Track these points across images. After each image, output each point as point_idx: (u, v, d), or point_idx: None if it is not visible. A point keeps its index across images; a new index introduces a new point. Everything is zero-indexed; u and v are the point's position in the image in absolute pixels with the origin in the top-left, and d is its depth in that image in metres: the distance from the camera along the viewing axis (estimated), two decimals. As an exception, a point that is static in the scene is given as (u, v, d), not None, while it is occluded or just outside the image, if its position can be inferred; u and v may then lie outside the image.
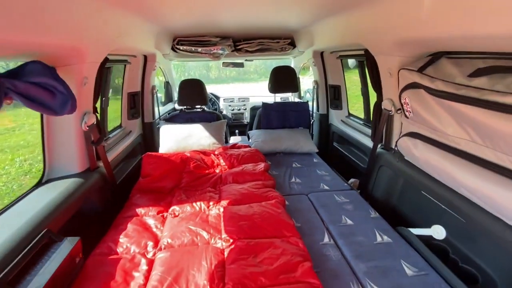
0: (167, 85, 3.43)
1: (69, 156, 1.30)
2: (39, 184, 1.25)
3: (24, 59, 0.94)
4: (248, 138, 2.60)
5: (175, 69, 3.97)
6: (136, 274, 0.99)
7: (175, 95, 3.57)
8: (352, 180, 2.00)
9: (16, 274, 0.82)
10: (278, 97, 3.38)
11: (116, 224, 1.28)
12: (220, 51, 2.56)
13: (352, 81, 3.05)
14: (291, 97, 3.61)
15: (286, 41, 2.54)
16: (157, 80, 3.02)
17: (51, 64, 1.01)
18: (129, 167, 1.98)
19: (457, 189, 1.07)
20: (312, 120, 2.74)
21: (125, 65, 2.04)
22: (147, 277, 0.98)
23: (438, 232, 1.13)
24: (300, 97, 3.65)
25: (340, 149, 2.43)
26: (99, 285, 0.94)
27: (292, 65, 3.28)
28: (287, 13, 1.62)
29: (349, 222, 1.37)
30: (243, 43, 2.50)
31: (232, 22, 1.82)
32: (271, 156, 2.23)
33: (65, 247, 0.95)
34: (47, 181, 1.26)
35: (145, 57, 2.22)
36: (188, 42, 2.35)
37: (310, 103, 2.74)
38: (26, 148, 5.66)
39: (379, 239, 1.23)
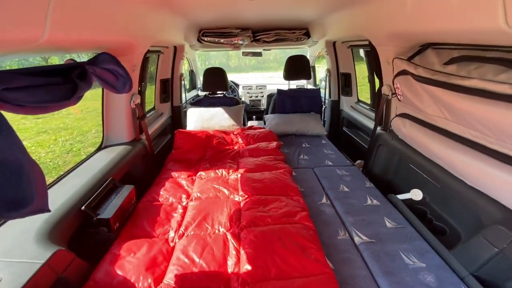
0: (191, 73, 3.76)
1: (121, 128, 1.65)
2: (99, 149, 1.62)
3: (96, 51, 1.27)
4: (264, 123, 2.86)
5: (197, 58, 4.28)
6: (174, 214, 1.33)
7: (198, 83, 3.90)
8: (358, 161, 2.22)
9: (95, 204, 1.17)
10: (294, 85, 3.59)
11: (156, 182, 1.62)
12: (240, 42, 2.81)
13: (365, 70, 3.20)
14: (306, 84, 3.80)
15: (302, 31, 2.73)
16: (183, 69, 3.35)
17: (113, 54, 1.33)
18: (162, 142, 2.33)
19: (434, 159, 1.28)
20: (324, 106, 2.94)
21: (158, 55, 2.36)
22: (182, 216, 1.31)
23: (416, 194, 1.35)
24: (315, 84, 3.83)
25: (349, 133, 2.64)
26: (148, 220, 1.28)
27: (308, 55, 3.47)
28: (302, 6, 1.82)
29: (346, 189, 1.62)
30: (261, 34, 2.73)
31: (252, 15, 2.05)
32: (284, 137, 2.49)
33: (125, 191, 1.30)
34: (105, 147, 1.63)
35: (175, 48, 2.53)
36: (212, 34, 2.62)
37: (323, 90, 2.93)
38: (65, 130, 6.33)
39: (369, 202, 1.48)
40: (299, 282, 0.91)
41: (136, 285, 0.92)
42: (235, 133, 2.36)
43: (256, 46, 2.93)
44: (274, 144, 2.10)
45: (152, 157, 1.90)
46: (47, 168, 4.36)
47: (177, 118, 2.77)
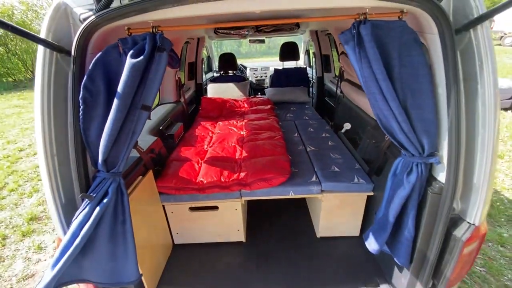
0: (208, 58, 4.68)
1: (169, 92, 2.61)
2: (158, 105, 2.60)
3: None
4: (265, 95, 3.78)
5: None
6: (205, 140, 2.31)
7: (213, 66, 4.83)
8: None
9: (165, 128, 2.14)
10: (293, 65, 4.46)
11: (193, 127, 2.60)
12: (246, 32, 3.67)
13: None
14: (303, 64, 4.64)
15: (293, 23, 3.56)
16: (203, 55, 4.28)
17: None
18: (190, 108, 3.30)
19: (355, 102, 2.16)
20: (312, 81, 3.80)
21: (187, 45, 3.28)
22: (210, 140, 2.30)
23: (347, 126, 2.25)
24: (310, 65, 4.67)
25: (329, 102, 3.50)
26: (191, 141, 2.25)
27: (302, 41, 4.30)
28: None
29: (311, 130, 2.52)
30: (262, 25, 3.58)
31: (256, 15, 2.92)
32: (278, 103, 3.40)
33: (177, 125, 2.28)
34: (160, 104, 2.60)
35: (198, 39, 3.44)
36: (224, 27, 3.50)
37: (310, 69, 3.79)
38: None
39: (323, 135, 2.38)
40: (270, 157, 1.86)
41: (191, 159, 1.90)
42: (242, 100, 3.30)
43: (259, 35, 3.79)
44: (269, 106, 3.03)
45: (187, 114, 2.88)
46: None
47: (200, 91, 3.72)
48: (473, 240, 1.03)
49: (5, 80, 12.95)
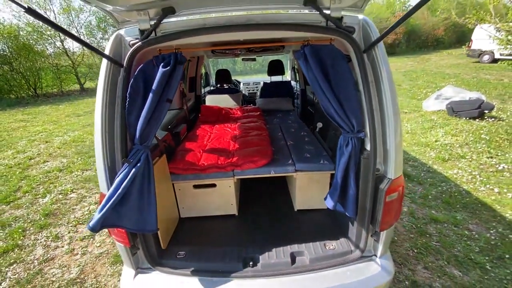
0: (206, 74, 5.26)
1: (175, 100, 3.11)
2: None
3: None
4: (255, 105, 4.33)
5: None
6: (205, 138, 2.78)
7: (210, 81, 5.41)
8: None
9: (172, 128, 2.62)
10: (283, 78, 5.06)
11: (194, 128, 3.09)
12: (239, 52, 4.28)
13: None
14: (289, 79, 5.25)
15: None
16: (202, 71, 4.86)
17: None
18: (191, 115, 3.81)
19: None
20: (297, 93, 4.37)
21: (188, 62, 3.84)
22: (209, 138, 2.78)
23: (319, 125, 2.75)
24: (296, 80, 5.27)
25: (310, 109, 4.05)
26: (193, 138, 2.73)
27: (288, 58, 4.93)
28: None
29: (292, 130, 3.02)
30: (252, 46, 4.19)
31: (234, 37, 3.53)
32: (267, 111, 3.93)
33: (182, 126, 2.76)
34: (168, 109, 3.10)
35: (198, 57, 4.01)
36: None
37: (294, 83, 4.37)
38: (104, 124, 7.88)
39: (302, 133, 2.88)
40: (257, 147, 2.34)
41: (194, 149, 2.37)
42: (236, 108, 3.83)
43: (250, 54, 4.39)
44: (258, 113, 3.56)
45: (188, 119, 3.37)
46: (101, 147, 5.90)
47: (199, 102, 4.25)
48: (393, 191, 1.50)
49: (7, 97, 13.42)
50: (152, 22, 1.33)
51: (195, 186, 2.13)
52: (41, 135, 7.16)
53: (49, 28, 15.03)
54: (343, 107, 1.47)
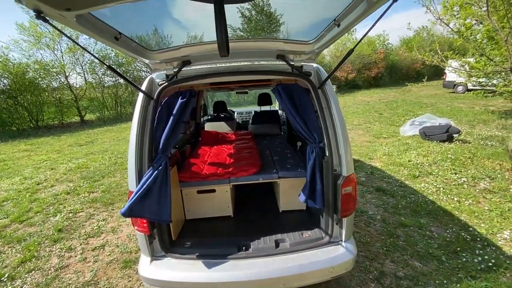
0: (204, 105, 5.97)
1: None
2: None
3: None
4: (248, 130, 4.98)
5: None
6: (205, 156, 3.34)
7: (208, 111, 6.11)
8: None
9: (180, 147, 3.18)
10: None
11: (196, 149, 3.65)
12: (233, 87, 5.02)
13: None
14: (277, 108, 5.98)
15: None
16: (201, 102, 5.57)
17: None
18: (192, 139, 4.40)
19: None
20: (283, 120, 5.05)
21: (190, 95, 4.53)
22: (208, 155, 3.33)
23: (299, 143, 3.35)
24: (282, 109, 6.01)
25: (295, 134, 4.68)
26: (196, 156, 3.27)
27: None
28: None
29: (278, 149, 3.60)
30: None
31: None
32: (257, 135, 4.55)
33: (186, 147, 3.33)
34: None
35: (199, 91, 4.71)
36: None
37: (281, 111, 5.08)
38: (106, 152, 8.42)
39: (286, 151, 3.46)
40: (248, 160, 2.89)
41: (198, 163, 2.90)
42: (231, 133, 4.44)
43: (242, 88, 5.13)
44: (250, 136, 4.17)
45: (191, 142, 3.95)
46: (105, 172, 6.34)
47: (198, 129, 4.86)
48: (347, 185, 2.05)
49: (9, 129, 13.91)
50: (175, 70, 1.97)
51: (199, 192, 2.63)
52: (46, 163, 7.57)
53: (56, 65, 16.12)
54: (307, 125, 2.08)
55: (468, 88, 15.54)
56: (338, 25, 1.53)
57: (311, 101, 2.09)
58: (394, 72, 26.82)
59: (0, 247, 3.53)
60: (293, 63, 2.01)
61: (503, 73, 6.71)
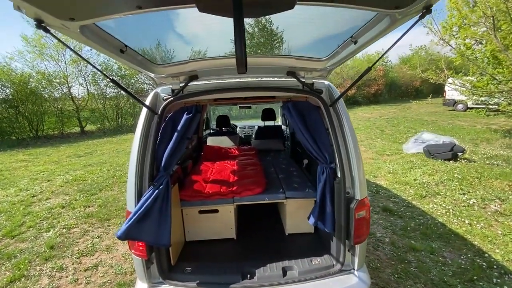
0: (207, 119, 5.90)
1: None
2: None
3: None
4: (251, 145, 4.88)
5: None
6: (208, 172, 3.21)
7: (210, 125, 6.04)
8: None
9: (182, 162, 3.06)
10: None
11: (198, 164, 3.53)
12: (237, 101, 4.97)
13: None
14: (280, 123, 5.92)
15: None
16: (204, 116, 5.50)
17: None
18: (194, 154, 4.28)
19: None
20: (287, 136, 4.96)
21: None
22: (211, 172, 3.20)
23: (305, 161, 3.23)
24: (286, 125, 5.94)
25: (299, 150, 4.58)
26: (198, 173, 3.15)
27: (279, 107, 5.66)
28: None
29: (283, 166, 3.48)
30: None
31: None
32: (261, 151, 4.44)
33: (187, 162, 3.21)
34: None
35: (202, 105, 4.65)
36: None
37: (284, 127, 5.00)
38: (105, 164, 8.27)
39: (291, 168, 3.34)
40: (253, 178, 2.76)
41: (200, 180, 2.78)
42: (233, 148, 4.34)
43: (247, 103, 5.08)
44: (253, 152, 4.06)
45: (193, 157, 3.83)
46: (102, 185, 6.18)
47: (201, 143, 4.76)
48: (360, 209, 1.92)
49: (8, 138, 13.81)
50: (181, 84, 1.89)
51: (200, 212, 2.49)
52: (43, 174, 7.41)
53: (58, 75, 16.24)
54: (318, 144, 1.98)
55: (468, 106, 15.66)
56: (355, 42, 1.46)
57: (322, 119, 2.00)
58: (393, 89, 27.14)
59: (-12, 264, 3.33)
60: (303, 80, 1.93)
61: (504, 92, 6.73)
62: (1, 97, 14.21)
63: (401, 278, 2.80)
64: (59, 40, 1.13)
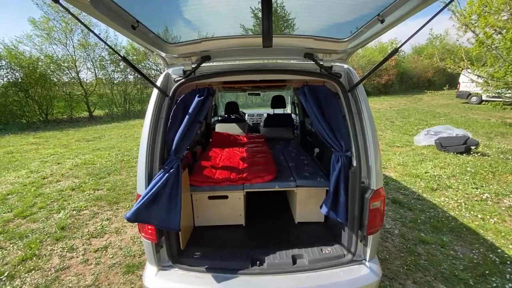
0: (215, 106, 5.83)
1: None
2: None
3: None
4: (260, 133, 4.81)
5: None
6: (218, 158, 3.17)
7: (218, 112, 5.97)
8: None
9: (191, 147, 3.02)
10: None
11: (207, 151, 3.49)
12: (246, 87, 4.87)
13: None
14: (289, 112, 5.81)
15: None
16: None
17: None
18: (203, 140, 4.24)
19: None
20: (297, 124, 4.86)
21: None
22: (220, 158, 3.16)
23: (316, 150, 3.16)
24: (296, 113, 5.83)
25: (309, 139, 4.50)
26: (207, 158, 3.11)
27: (289, 94, 5.53)
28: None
29: (293, 155, 3.42)
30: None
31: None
32: (270, 139, 4.37)
33: (196, 148, 3.17)
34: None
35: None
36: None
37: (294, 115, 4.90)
38: (113, 148, 8.35)
39: (301, 157, 3.27)
40: (263, 166, 2.71)
41: (210, 166, 2.74)
42: (242, 135, 4.28)
43: (256, 90, 4.98)
44: (262, 139, 3.99)
45: (202, 143, 3.79)
46: (111, 169, 6.24)
47: (209, 129, 4.71)
48: (376, 200, 1.86)
49: (18, 122, 14.03)
50: (193, 66, 1.82)
51: (210, 197, 2.46)
52: (53, 157, 7.52)
53: (67, 59, 16.24)
54: (334, 131, 1.89)
55: (483, 99, 15.14)
56: (382, 21, 1.35)
57: (340, 105, 1.91)
58: (404, 80, 26.42)
59: (2, 242, 3.42)
60: (322, 62, 1.83)
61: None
62: (11, 80, 14.34)
63: (411, 270, 2.76)
64: (73, 15, 1.06)
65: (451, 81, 23.01)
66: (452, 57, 6.05)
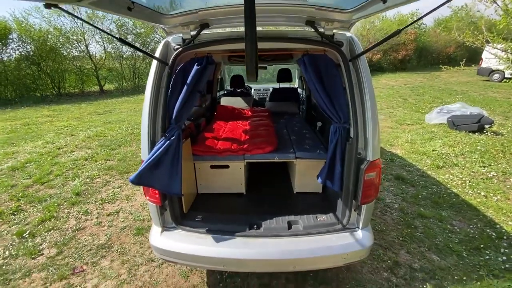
0: (221, 79, 5.78)
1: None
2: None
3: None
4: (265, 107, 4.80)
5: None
6: (220, 130, 3.23)
7: (224, 86, 5.93)
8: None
9: (195, 119, 3.09)
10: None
11: (211, 123, 3.54)
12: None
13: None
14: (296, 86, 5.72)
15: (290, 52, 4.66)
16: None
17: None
18: (208, 113, 4.29)
19: None
20: (303, 99, 4.80)
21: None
22: (223, 130, 3.22)
23: (319, 123, 3.15)
24: (302, 87, 5.72)
25: (314, 114, 4.46)
26: (211, 130, 3.17)
27: (296, 68, 5.40)
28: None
29: (296, 129, 3.44)
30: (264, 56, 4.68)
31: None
32: (275, 113, 4.37)
33: (200, 120, 3.23)
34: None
35: (216, 64, 4.51)
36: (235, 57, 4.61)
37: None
38: (123, 122, 8.52)
39: (304, 131, 3.29)
40: (264, 138, 2.76)
41: (213, 137, 2.81)
42: (247, 109, 4.29)
43: (262, 63, 4.87)
44: (267, 113, 4.00)
45: (207, 116, 3.85)
46: (121, 141, 6.45)
47: (214, 103, 4.73)
48: (371, 171, 1.89)
49: (33, 95, 14.40)
50: (192, 33, 1.80)
51: (212, 166, 2.56)
52: (67, 129, 7.80)
53: (75, 32, 16.15)
54: (333, 102, 1.89)
55: (505, 76, 14.25)
56: (384, 1, 1.29)
57: (340, 75, 1.88)
58: (423, 56, 25.00)
59: (23, 205, 3.70)
60: (323, 30, 1.78)
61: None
62: (23, 53, 14.51)
63: (405, 241, 2.85)
64: (68, 12, 1.07)
65: (474, 56, 21.61)
66: (472, 29, 5.64)
